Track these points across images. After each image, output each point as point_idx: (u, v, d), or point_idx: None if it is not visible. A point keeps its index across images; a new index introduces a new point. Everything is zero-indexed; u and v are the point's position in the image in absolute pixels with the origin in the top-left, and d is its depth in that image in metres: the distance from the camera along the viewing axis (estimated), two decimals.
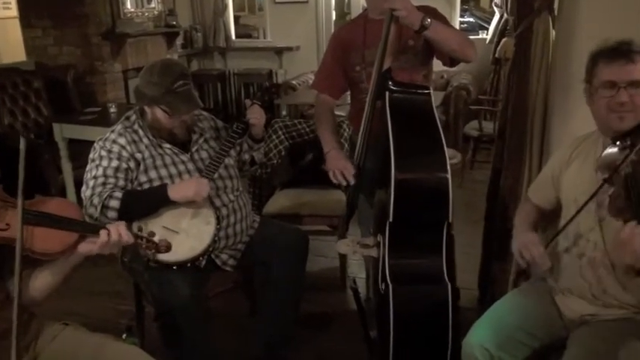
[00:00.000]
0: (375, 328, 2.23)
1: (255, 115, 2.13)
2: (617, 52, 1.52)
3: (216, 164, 2.05)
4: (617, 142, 1.50)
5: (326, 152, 2.23)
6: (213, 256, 2.09)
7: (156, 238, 1.67)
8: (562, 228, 1.59)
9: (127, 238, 1.55)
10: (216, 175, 2.06)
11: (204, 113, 2.26)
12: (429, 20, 1.88)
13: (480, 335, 1.63)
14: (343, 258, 3.00)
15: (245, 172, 2.40)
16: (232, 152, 2.20)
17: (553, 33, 2.10)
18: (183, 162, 2.07)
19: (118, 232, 1.53)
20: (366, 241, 2.19)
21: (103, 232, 1.51)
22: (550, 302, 1.70)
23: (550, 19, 2.09)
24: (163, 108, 1.96)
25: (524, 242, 1.65)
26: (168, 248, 1.69)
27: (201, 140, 2.15)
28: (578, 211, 1.54)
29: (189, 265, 1.96)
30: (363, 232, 2.50)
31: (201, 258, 2.00)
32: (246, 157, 2.29)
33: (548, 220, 1.85)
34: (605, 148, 1.55)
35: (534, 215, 1.82)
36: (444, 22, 2.08)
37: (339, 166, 2.14)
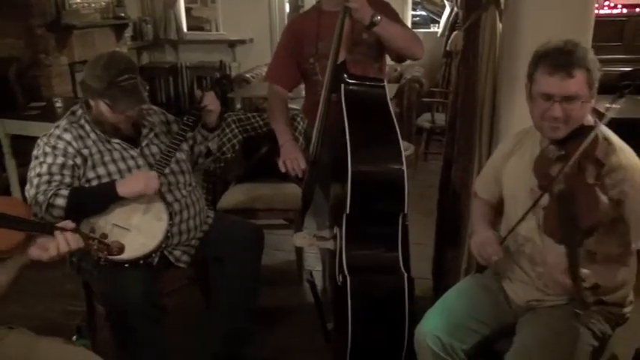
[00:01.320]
0: (332, 320, 2.25)
1: (212, 102, 2.11)
2: (559, 64, 1.47)
3: (167, 158, 2.01)
4: (552, 147, 1.52)
5: (281, 144, 2.22)
6: (166, 252, 2.05)
7: (108, 240, 1.63)
8: (512, 229, 1.60)
9: (78, 244, 1.52)
10: (167, 171, 2.03)
11: (154, 107, 2.22)
12: (378, 17, 1.90)
13: (431, 324, 1.67)
14: (300, 251, 3.00)
15: (200, 165, 2.36)
16: (184, 146, 2.17)
17: (500, 27, 2.15)
18: (132, 157, 2.02)
19: (67, 241, 1.50)
20: (323, 234, 2.20)
21: (52, 245, 1.48)
22: (498, 289, 1.75)
23: (497, 13, 2.14)
24: (106, 102, 1.91)
25: (482, 242, 1.63)
26: (121, 250, 1.65)
27: (151, 135, 2.10)
28: (526, 214, 1.55)
29: (141, 262, 1.92)
30: (319, 225, 2.50)
31: (153, 255, 1.97)
32: (202, 148, 2.26)
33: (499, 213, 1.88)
34: (542, 148, 1.58)
35: (487, 211, 1.84)
36: (396, 17, 2.10)
37: (291, 157, 2.14)
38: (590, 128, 1.46)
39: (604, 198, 1.33)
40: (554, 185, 1.41)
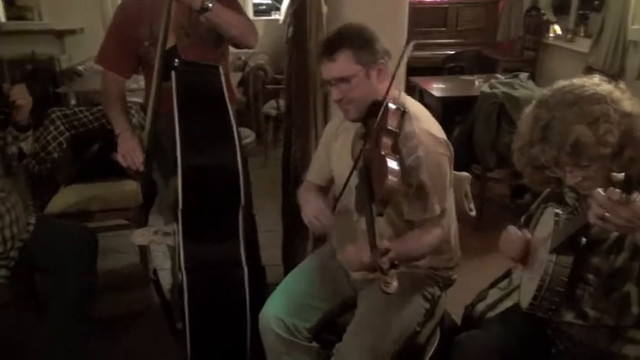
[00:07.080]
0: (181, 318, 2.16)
1: (21, 95, 1.88)
2: (322, 51, 1.53)
3: None
4: (359, 126, 1.56)
5: (117, 134, 2.07)
6: None
7: None
8: (337, 199, 1.63)
9: None
10: None
11: None
12: (210, 3, 1.83)
13: (273, 306, 1.67)
14: (144, 251, 2.85)
15: (16, 169, 2.11)
16: None
17: (325, 9, 2.19)
18: None
19: None
20: (166, 229, 2.10)
21: None
22: (337, 265, 1.78)
23: None
24: None
25: (313, 211, 1.62)
26: None
27: None
28: (341, 193, 1.58)
29: None
30: (166, 221, 2.39)
31: None
32: (14, 149, 2.01)
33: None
34: (356, 128, 1.62)
35: (315, 188, 1.85)
36: (234, 3, 2.04)
37: (129, 149, 2.01)
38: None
39: (396, 166, 1.35)
40: (359, 163, 1.45)
